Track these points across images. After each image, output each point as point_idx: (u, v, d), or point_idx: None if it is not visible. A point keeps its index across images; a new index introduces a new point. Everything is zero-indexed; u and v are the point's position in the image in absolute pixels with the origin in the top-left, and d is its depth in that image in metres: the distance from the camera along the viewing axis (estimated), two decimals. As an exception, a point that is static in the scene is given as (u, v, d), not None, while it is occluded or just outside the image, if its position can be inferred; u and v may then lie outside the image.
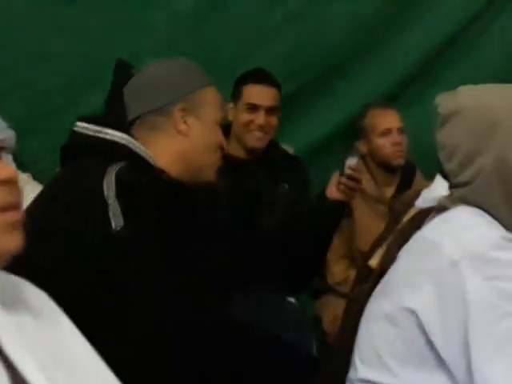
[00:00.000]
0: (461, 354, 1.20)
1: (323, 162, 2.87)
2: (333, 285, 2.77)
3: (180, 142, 1.68)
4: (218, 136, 1.73)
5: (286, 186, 2.59)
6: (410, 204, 1.72)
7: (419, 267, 1.28)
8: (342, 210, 2.41)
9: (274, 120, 2.60)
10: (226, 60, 2.82)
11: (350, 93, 2.99)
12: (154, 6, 2.79)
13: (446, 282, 1.22)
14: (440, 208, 1.37)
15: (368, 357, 1.34)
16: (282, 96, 2.65)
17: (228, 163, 2.41)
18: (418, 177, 2.85)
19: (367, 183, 2.75)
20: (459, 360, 1.20)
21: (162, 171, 1.63)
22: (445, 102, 1.39)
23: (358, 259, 2.70)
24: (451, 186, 1.38)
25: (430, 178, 2.82)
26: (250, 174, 2.59)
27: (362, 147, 2.81)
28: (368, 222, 2.72)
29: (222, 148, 1.76)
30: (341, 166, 2.20)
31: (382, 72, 2.97)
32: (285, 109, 2.73)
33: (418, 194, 1.81)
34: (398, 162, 2.79)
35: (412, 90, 3.03)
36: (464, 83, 1.39)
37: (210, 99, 1.71)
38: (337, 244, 2.73)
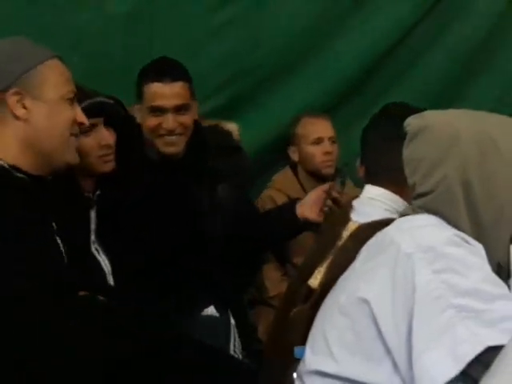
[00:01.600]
0: (405, 343, 1.23)
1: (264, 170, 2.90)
2: (266, 299, 2.75)
3: (22, 130, 1.60)
4: (67, 113, 1.64)
5: (226, 186, 2.40)
6: (345, 218, 1.74)
7: (376, 261, 1.33)
8: (304, 230, 2.41)
9: (186, 119, 2.26)
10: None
11: (289, 98, 2.99)
12: (85, 6, 2.73)
13: (399, 272, 1.27)
14: (402, 215, 1.43)
15: (319, 348, 1.36)
16: (215, 105, 2.61)
17: (160, 163, 2.30)
18: (349, 185, 2.86)
19: (296, 192, 2.75)
20: (403, 349, 1.24)
21: (9, 168, 1.55)
22: (413, 121, 1.44)
23: (291, 272, 2.70)
24: (414, 198, 1.42)
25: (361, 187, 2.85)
26: (180, 176, 2.37)
27: (292, 155, 2.80)
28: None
29: (79, 123, 1.68)
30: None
31: (321, 78, 2.98)
32: (225, 113, 2.72)
33: (349, 207, 1.83)
34: (328, 171, 2.81)
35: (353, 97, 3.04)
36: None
37: (48, 76, 1.63)
38: (270, 256, 2.73)
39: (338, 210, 2.17)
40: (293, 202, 2.39)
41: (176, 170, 2.30)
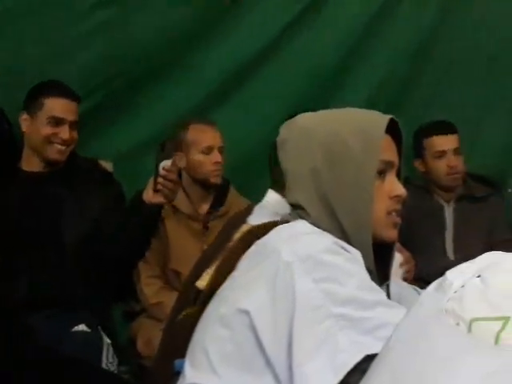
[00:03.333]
0: (285, 354, 1.22)
1: (134, 176, 2.82)
2: (146, 307, 2.69)
3: None
4: None
5: (95, 199, 2.54)
6: (241, 221, 1.73)
7: (257, 271, 1.31)
8: (159, 214, 2.54)
9: (76, 134, 2.62)
10: (32, 72, 2.70)
11: (159, 106, 2.95)
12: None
13: (280, 282, 1.26)
14: (282, 222, 1.42)
15: (199, 361, 1.33)
16: (87, 108, 2.66)
17: (22, 176, 2.57)
18: (232, 193, 2.85)
19: (181, 200, 2.71)
20: (284, 361, 1.22)
21: None
22: (282, 130, 1.45)
23: (173, 280, 2.66)
24: (290, 205, 1.43)
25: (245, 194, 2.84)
26: (49, 187, 2.55)
27: (180, 162, 2.75)
28: (182, 240, 2.68)
29: None
30: (155, 169, 2.17)
31: (191, 85, 2.96)
32: (92, 121, 2.70)
33: (249, 211, 1.84)
34: (217, 180, 2.78)
35: (224, 105, 3.03)
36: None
37: None
38: (149, 264, 2.68)
39: (238, 213, 2.18)
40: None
41: (47, 180, 2.56)
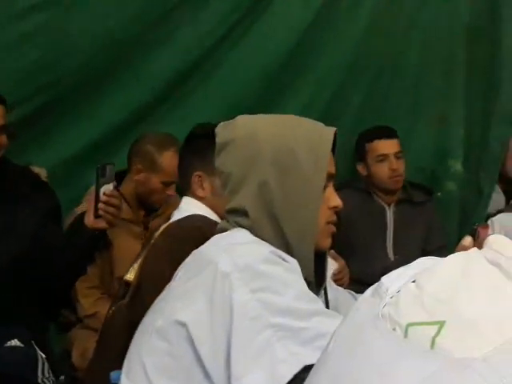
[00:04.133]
0: (224, 366, 1.21)
1: (71, 185, 2.79)
2: (83, 318, 2.64)
3: None
4: None
5: (27, 210, 2.37)
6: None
7: (194, 282, 1.30)
8: (102, 238, 2.38)
9: (4, 139, 2.40)
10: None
11: (96, 112, 2.90)
12: None
13: (217, 293, 1.25)
14: (220, 230, 1.42)
15: (135, 373, 1.31)
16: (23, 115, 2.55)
17: None
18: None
19: (125, 211, 2.67)
20: (223, 373, 1.22)
21: None
22: (221, 131, 1.43)
23: (113, 288, 2.62)
24: (227, 211, 1.42)
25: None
26: None
27: (141, 180, 2.70)
28: (125, 246, 2.64)
29: None
30: (95, 193, 2.11)
31: (133, 90, 2.92)
32: (29, 128, 2.62)
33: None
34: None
35: (160, 111, 3.00)
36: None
37: None
38: (87, 275, 2.62)
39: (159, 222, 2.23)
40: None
41: None
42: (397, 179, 2.99)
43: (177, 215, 1.89)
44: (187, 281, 1.33)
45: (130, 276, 1.84)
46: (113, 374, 1.48)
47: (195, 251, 1.37)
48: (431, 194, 3.14)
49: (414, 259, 0.83)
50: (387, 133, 3.00)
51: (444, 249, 2.92)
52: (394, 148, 2.98)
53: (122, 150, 2.81)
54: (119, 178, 2.71)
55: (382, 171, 2.97)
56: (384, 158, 2.96)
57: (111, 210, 2.13)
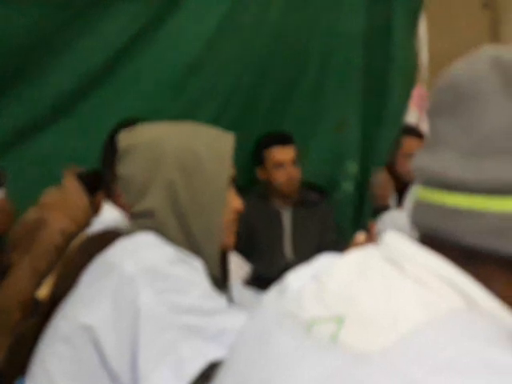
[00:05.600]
0: (130, 368, 1.23)
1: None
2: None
3: None
4: None
5: None
6: (76, 233, 1.72)
7: (98, 286, 1.30)
8: None
9: None
10: None
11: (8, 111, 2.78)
12: None
13: (122, 296, 1.26)
14: (124, 234, 1.42)
15: (39, 380, 1.30)
16: None
17: None
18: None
19: None
20: (129, 375, 1.23)
21: None
22: (124, 137, 1.46)
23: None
24: (131, 216, 1.44)
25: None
26: None
27: None
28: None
29: None
30: None
31: (26, 103, 2.83)
32: None
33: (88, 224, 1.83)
34: None
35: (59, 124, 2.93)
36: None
37: None
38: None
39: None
40: None
41: None
42: (293, 185, 3.07)
43: (97, 224, 1.85)
44: (91, 285, 1.32)
45: (42, 293, 1.77)
46: (18, 382, 1.45)
47: (99, 257, 1.37)
48: (325, 194, 3.23)
49: (311, 259, 0.86)
50: (283, 139, 3.07)
51: (337, 244, 3.02)
52: (290, 154, 3.06)
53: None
54: None
55: (280, 177, 3.05)
56: (281, 164, 3.04)
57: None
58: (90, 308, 1.27)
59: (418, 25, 3.55)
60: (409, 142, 3.39)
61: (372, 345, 0.66)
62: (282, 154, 3.05)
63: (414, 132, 3.45)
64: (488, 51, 0.74)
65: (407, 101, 3.45)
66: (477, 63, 0.73)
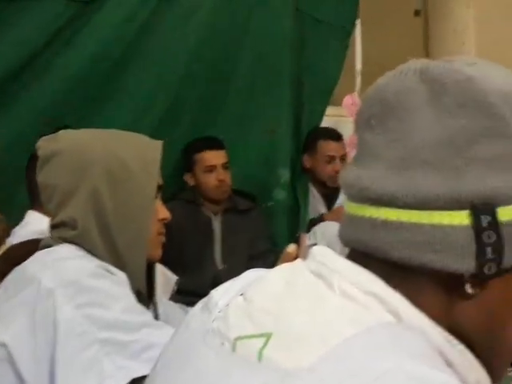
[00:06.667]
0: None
1: None
2: None
3: None
4: None
5: None
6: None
7: (15, 300, 1.25)
8: None
9: None
10: None
11: None
12: None
13: (40, 310, 1.21)
14: (43, 246, 1.38)
15: None
16: None
17: None
18: None
19: None
20: None
21: None
22: (44, 144, 1.40)
23: None
24: (51, 227, 1.39)
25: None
26: None
27: None
28: None
29: None
30: None
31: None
32: None
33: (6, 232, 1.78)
34: None
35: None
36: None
37: None
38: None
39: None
40: None
41: None
42: (223, 189, 3.04)
43: (20, 232, 1.80)
44: (8, 299, 1.28)
45: None
46: None
47: (17, 268, 1.33)
48: (256, 201, 3.21)
49: (242, 266, 0.84)
50: (215, 144, 3.04)
51: (269, 253, 3.01)
52: (222, 159, 3.03)
53: None
54: None
55: (210, 182, 3.02)
56: (212, 168, 3.01)
57: None
58: (5, 324, 1.23)
59: (353, 33, 3.60)
60: (325, 146, 3.37)
61: (300, 362, 0.65)
62: (214, 158, 3.02)
63: (329, 134, 3.42)
64: (416, 63, 0.74)
65: (322, 111, 3.47)
66: (404, 76, 0.73)
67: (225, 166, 3.04)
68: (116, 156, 1.37)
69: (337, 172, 3.18)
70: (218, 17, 3.13)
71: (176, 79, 3.07)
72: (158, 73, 3.01)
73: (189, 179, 3.07)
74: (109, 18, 2.87)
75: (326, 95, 3.50)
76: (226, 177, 3.03)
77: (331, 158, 3.35)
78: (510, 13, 4.65)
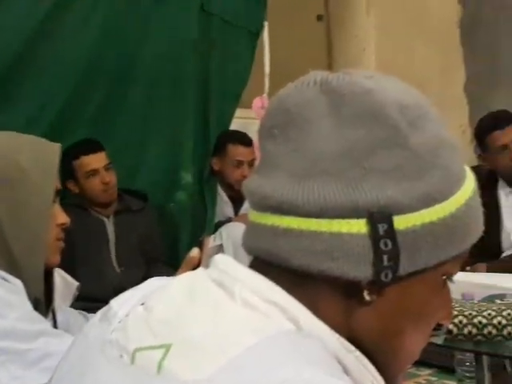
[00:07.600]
0: None
1: None
2: None
3: None
4: None
5: None
6: None
7: None
8: None
9: None
10: None
11: None
12: None
13: None
14: None
15: None
16: None
17: None
18: None
19: None
20: None
21: None
22: None
23: None
24: None
25: None
26: None
27: None
28: None
29: None
30: None
31: None
32: None
33: None
34: None
35: None
36: None
37: None
38: None
39: None
40: None
41: None
42: (111, 192, 2.97)
43: None
44: None
45: None
46: None
47: None
48: (147, 200, 3.16)
49: (139, 268, 0.83)
50: (93, 147, 2.94)
51: (162, 255, 3.00)
52: (103, 161, 2.94)
53: None
54: None
55: (95, 186, 2.93)
56: (94, 172, 2.92)
57: None
58: None
59: (262, 35, 3.61)
60: (234, 150, 3.38)
61: (199, 372, 0.64)
62: (94, 161, 2.93)
63: (239, 139, 3.42)
64: (316, 75, 0.74)
65: (231, 113, 3.46)
66: (306, 87, 0.73)
67: (107, 168, 2.94)
68: (11, 159, 1.32)
69: (244, 176, 3.18)
70: (114, 19, 3.03)
71: (73, 83, 2.96)
72: (54, 76, 2.89)
73: (72, 187, 2.94)
74: (9, 16, 2.76)
75: (235, 97, 3.50)
76: (111, 178, 2.95)
77: (239, 163, 3.36)
78: (408, 20, 4.80)
